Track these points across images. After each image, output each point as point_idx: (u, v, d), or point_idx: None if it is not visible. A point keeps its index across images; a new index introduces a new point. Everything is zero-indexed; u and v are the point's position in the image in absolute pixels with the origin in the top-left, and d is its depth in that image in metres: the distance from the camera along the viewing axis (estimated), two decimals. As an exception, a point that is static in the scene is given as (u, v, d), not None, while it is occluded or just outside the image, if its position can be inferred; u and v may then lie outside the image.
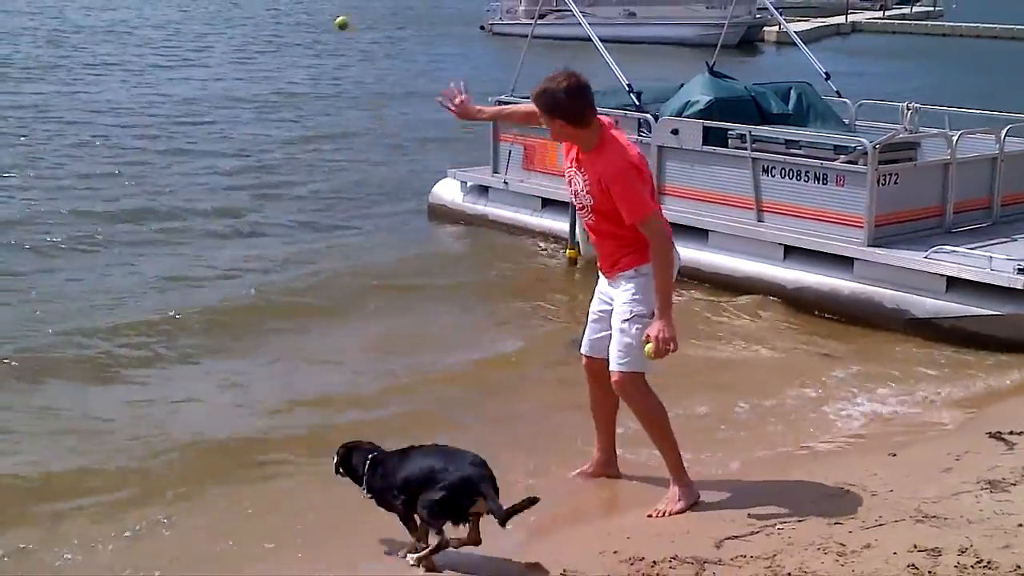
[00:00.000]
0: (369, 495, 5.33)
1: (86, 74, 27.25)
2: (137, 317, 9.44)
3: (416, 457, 5.23)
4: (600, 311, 5.95)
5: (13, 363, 8.30)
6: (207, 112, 21.53)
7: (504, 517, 4.97)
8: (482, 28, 43.40)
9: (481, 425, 7.34)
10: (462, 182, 13.48)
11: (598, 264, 5.96)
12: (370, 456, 5.35)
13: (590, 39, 12.33)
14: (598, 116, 5.65)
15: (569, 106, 5.53)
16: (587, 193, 5.65)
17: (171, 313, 9.56)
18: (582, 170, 5.66)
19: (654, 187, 6.06)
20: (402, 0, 60.03)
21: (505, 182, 12.78)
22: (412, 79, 28.06)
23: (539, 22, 14.32)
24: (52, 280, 10.71)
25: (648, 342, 5.46)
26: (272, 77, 27.40)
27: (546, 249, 12.12)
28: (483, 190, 13.20)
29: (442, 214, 13.60)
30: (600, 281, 5.98)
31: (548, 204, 12.40)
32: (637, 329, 5.61)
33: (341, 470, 5.45)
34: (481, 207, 13.14)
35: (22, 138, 18.11)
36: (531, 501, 5.06)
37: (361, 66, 30.65)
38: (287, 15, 48.60)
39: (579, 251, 11.40)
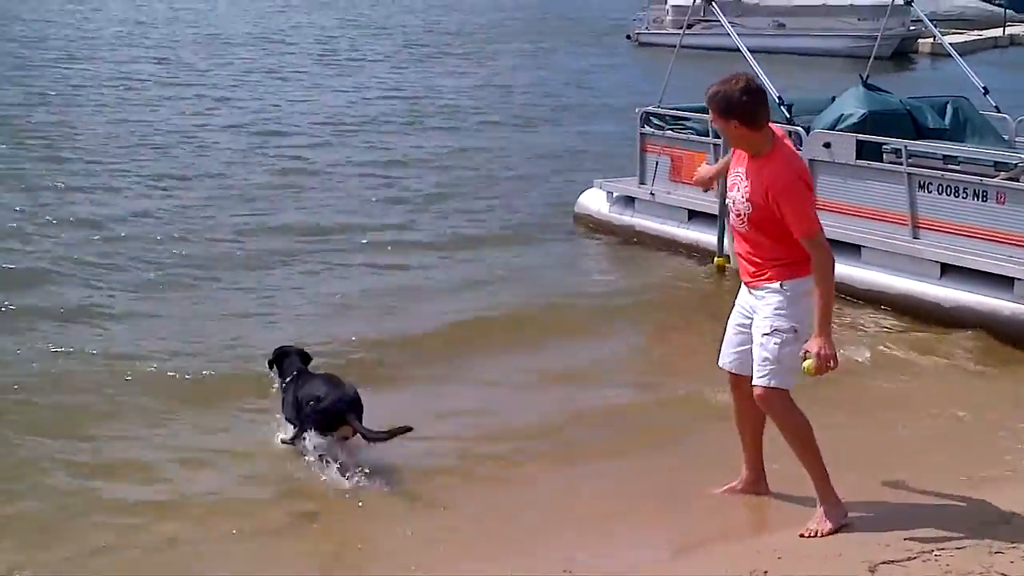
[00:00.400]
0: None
1: (243, 81, 27.92)
2: (304, 338, 9.43)
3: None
4: (739, 324, 5.86)
5: (170, 376, 8.42)
6: (359, 123, 21.71)
7: (371, 437, 6.42)
8: (628, 38, 43.22)
9: (642, 448, 7.26)
10: (608, 192, 13.46)
11: (740, 274, 5.88)
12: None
13: (738, 50, 12.21)
14: (770, 123, 5.60)
15: (744, 105, 5.46)
16: (746, 200, 5.57)
17: (337, 335, 9.49)
18: (748, 176, 5.60)
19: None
20: (548, 9, 60.36)
21: (651, 193, 12.72)
22: (560, 89, 28.06)
23: (686, 32, 14.14)
24: (217, 296, 10.79)
25: (807, 358, 5.37)
26: (424, 87, 27.64)
27: (693, 262, 12.01)
28: (629, 201, 13.15)
29: (588, 224, 13.60)
30: (741, 293, 5.89)
31: (695, 216, 12.31)
32: (775, 344, 5.52)
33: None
34: (627, 218, 13.10)
35: (181, 147, 18.55)
36: (404, 429, 6.40)
37: (509, 76, 30.73)
38: (437, 24, 49.11)
39: (728, 260, 11.30)
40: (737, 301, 5.92)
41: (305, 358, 7.19)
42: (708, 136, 11.94)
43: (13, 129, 19.35)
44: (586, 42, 42.33)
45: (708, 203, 11.82)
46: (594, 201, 13.61)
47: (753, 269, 5.69)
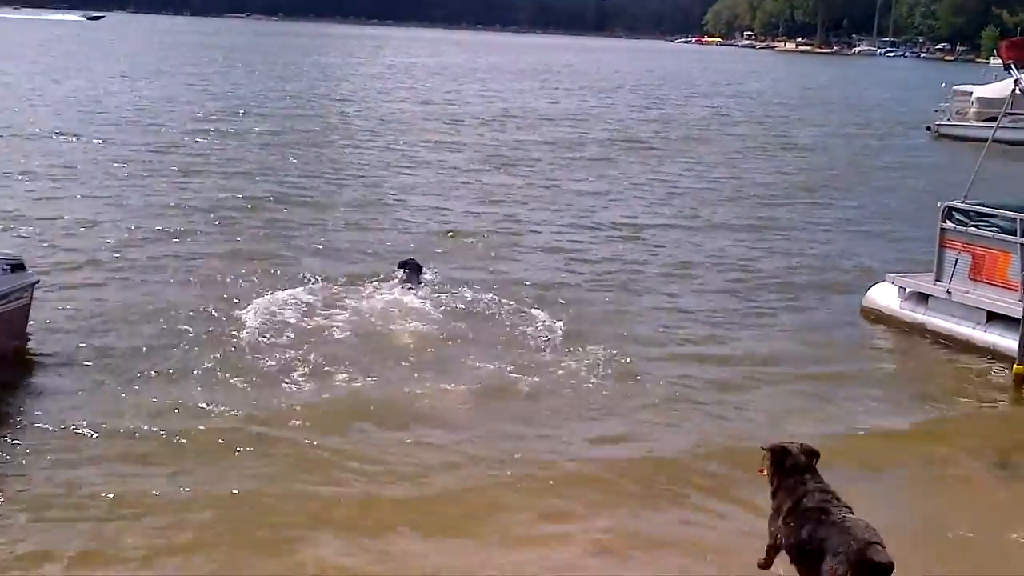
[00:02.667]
0: None
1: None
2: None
3: None
4: None
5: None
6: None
7: None
8: (928, 129, 41.69)
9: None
10: (900, 288, 12.89)
11: None
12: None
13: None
14: None
15: None
16: None
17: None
18: None
19: None
20: (844, 99, 59.26)
21: (948, 291, 12.11)
22: (854, 179, 27.02)
23: (995, 124, 13.44)
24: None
25: None
26: (736, 179, 26.80)
27: (987, 368, 11.32)
28: (922, 298, 12.56)
29: (875, 319, 13.05)
30: None
31: (994, 318, 11.63)
32: None
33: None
34: (919, 316, 12.50)
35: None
36: None
37: (802, 163, 29.91)
38: (723, 112, 48.87)
39: (1030, 369, 10.60)
40: None
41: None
42: (1016, 235, 11.30)
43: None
44: (883, 132, 41.15)
45: (1011, 305, 11.16)
46: (884, 295, 13.07)
47: None
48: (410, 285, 12.56)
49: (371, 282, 12.89)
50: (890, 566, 5.36)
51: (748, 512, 7.45)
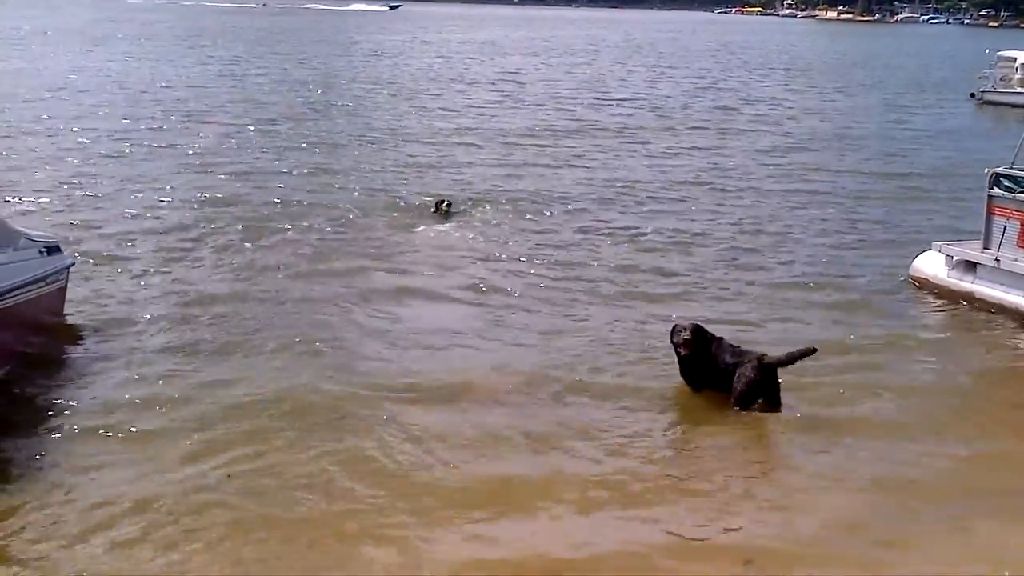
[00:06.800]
0: None
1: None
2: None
3: None
4: None
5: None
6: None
7: None
8: (972, 96, 41.08)
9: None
10: (947, 256, 12.62)
11: None
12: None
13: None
14: None
15: None
16: None
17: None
18: None
19: None
20: (890, 64, 58.62)
21: (997, 259, 11.84)
22: (899, 145, 26.78)
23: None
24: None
25: None
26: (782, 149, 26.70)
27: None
28: (970, 266, 12.29)
29: (922, 288, 12.77)
30: None
31: (1045, 287, 11.38)
32: None
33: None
34: (967, 285, 12.23)
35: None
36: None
37: (845, 128, 29.65)
38: (771, 66, 48.51)
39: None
40: None
41: None
42: (1067, 201, 11.04)
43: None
44: (926, 99, 40.59)
45: (1063, 273, 10.91)
46: (931, 264, 12.80)
47: None
48: (442, 218, 15.84)
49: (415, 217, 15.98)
50: (777, 364, 8.87)
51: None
